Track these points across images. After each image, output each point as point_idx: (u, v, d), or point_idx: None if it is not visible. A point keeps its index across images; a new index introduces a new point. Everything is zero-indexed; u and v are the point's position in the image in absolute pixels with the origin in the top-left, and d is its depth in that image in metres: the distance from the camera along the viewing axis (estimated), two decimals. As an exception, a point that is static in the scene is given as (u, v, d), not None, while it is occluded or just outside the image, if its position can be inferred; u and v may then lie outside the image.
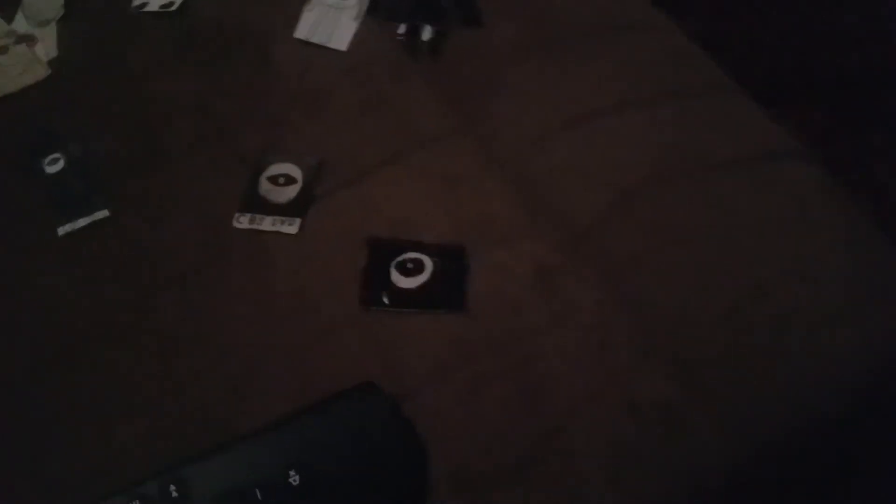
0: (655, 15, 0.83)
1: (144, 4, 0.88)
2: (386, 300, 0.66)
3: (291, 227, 0.71)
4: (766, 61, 1.33)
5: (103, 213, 0.73)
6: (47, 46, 0.86)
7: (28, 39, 0.86)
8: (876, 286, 0.65)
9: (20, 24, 0.88)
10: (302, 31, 0.84)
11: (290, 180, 0.74)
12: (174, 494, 0.55)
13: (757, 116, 0.76)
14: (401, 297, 0.67)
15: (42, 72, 0.84)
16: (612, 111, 0.74)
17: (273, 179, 0.74)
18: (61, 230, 0.72)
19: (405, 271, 0.68)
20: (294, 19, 0.84)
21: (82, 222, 0.73)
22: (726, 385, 0.61)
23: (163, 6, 0.87)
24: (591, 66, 0.77)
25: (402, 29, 0.83)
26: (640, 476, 0.58)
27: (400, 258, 0.68)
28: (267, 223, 0.71)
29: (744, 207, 0.69)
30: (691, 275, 0.66)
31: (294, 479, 0.56)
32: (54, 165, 0.77)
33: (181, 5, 0.87)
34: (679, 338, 0.63)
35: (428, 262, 0.68)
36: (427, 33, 0.82)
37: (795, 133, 1.24)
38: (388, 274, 0.67)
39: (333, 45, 0.83)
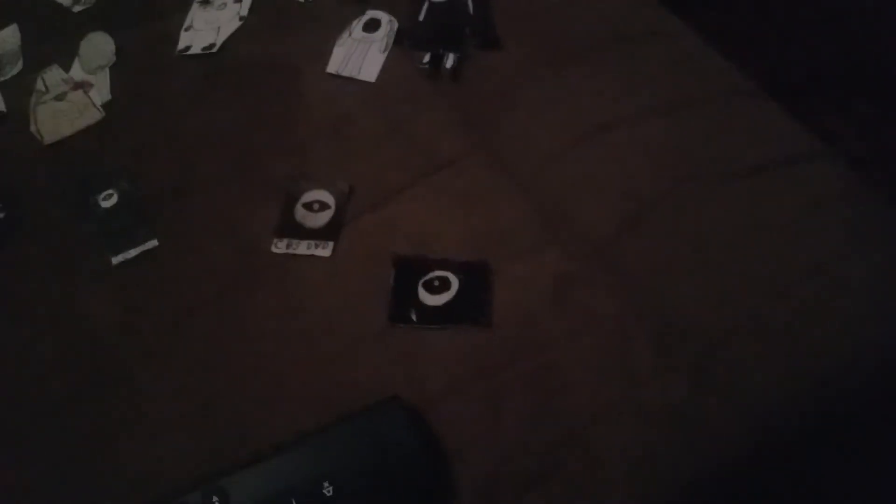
0: (669, 20, 0.85)
1: (188, 48, 0.94)
2: (414, 317, 0.69)
3: (325, 251, 0.74)
4: (804, 51, 1.31)
5: (153, 243, 0.78)
6: (101, 91, 0.92)
7: (84, 85, 0.93)
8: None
9: (76, 71, 0.95)
10: (333, 66, 0.88)
11: (323, 206, 0.77)
12: (216, 504, 0.58)
13: (776, 119, 0.76)
14: (428, 313, 0.69)
15: (97, 115, 0.90)
16: (628, 121, 0.76)
17: (308, 206, 0.78)
18: (115, 260, 0.77)
19: (432, 289, 0.70)
20: (326, 55, 0.89)
21: (133, 252, 0.78)
22: (747, 389, 0.62)
23: (204, 48, 0.93)
24: (606, 77, 0.80)
25: (426, 58, 0.86)
26: (661, 481, 0.59)
27: (427, 277, 0.71)
28: (302, 247, 0.75)
29: (763, 212, 0.70)
30: (711, 281, 0.67)
31: (328, 490, 0.58)
32: (109, 200, 0.82)
33: (221, 46, 0.93)
34: (698, 344, 0.64)
35: (454, 280, 0.71)
36: (450, 61, 0.85)
37: (838, 125, 1.22)
38: (415, 292, 0.70)
39: (363, 77, 0.87)
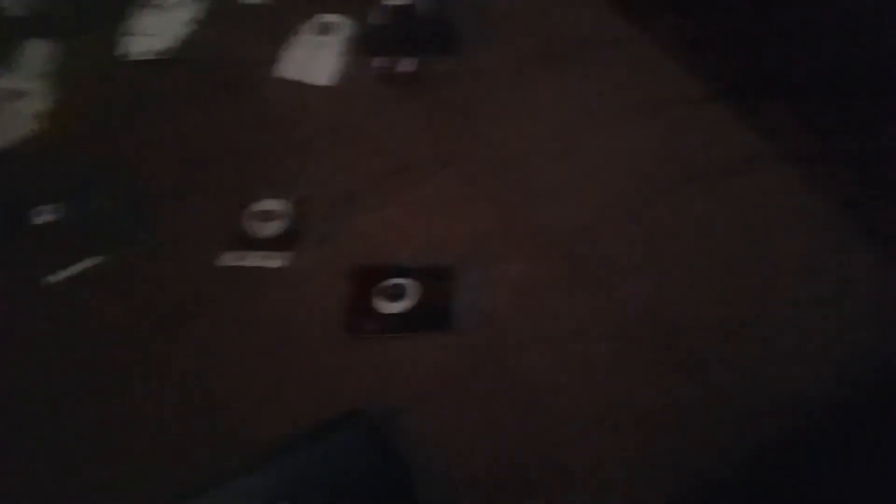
0: (631, 30, 0.84)
1: (135, 53, 0.90)
2: (372, 326, 0.66)
3: (277, 261, 0.71)
4: (769, 58, 1.32)
5: (96, 260, 0.74)
6: (41, 100, 0.88)
7: (22, 94, 0.89)
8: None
9: (15, 80, 0.90)
10: (286, 70, 0.86)
11: (276, 215, 0.74)
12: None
13: (737, 123, 0.75)
14: (386, 322, 0.67)
15: (35, 125, 0.86)
16: (590, 128, 0.75)
17: (259, 215, 0.74)
18: (53, 278, 0.73)
19: (390, 297, 0.68)
20: (280, 58, 0.86)
21: (74, 270, 0.73)
22: (707, 389, 0.60)
23: (152, 53, 0.90)
24: (567, 85, 0.79)
25: (383, 62, 0.84)
26: (627, 483, 0.57)
27: (384, 284, 0.68)
28: (253, 259, 0.72)
29: (728, 212, 0.69)
30: (679, 281, 0.65)
31: (287, 512, 0.55)
32: (47, 216, 0.78)
33: (170, 51, 0.89)
34: (661, 344, 0.62)
35: (412, 287, 0.68)
36: (407, 65, 0.83)
37: (791, 128, 1.22)
38: (373, 300, 0.67)
39: (317, 80, 0.84)
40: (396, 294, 0.67)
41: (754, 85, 1.26)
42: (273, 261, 0.71)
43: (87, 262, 0.74)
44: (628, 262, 0.67)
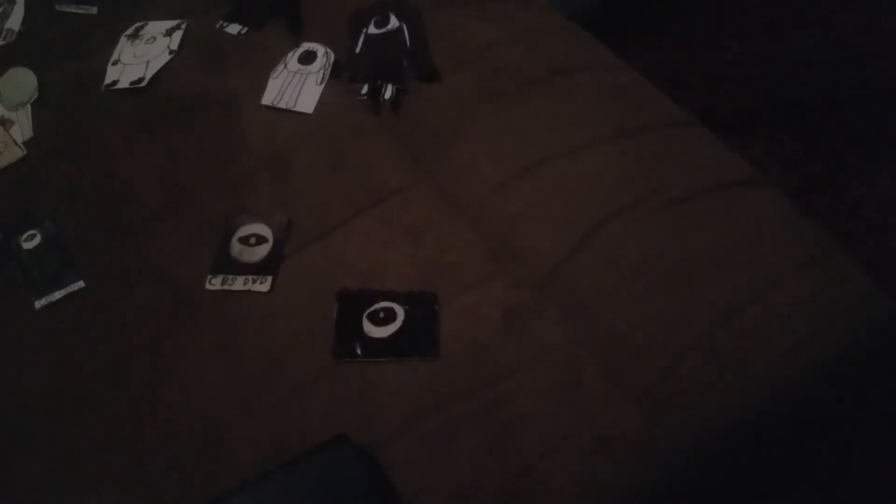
0: (606, 56, 0.85)
1: (115, 82, 0.90)
2: (359, 350, 0.67)
3: (263, 286, 0.72)
4: (732, 90, 1.36)
5: (79, 285, 0.74)
6: (22, 128, 0.88)
7: (4, 123, 0.89)
8: (838, 306, 0.66)
9: (-2, 108, 0.91)
10: (268, 98, 0.86)
11: (260, 240, 0.75)
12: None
13: (711, 147, 0.77)
14: (373, 346, 0.67)
15: (18, 153, 0.86)
16: (568, 153, 0.75)
17: (244, 240, 0.75)
18: (38, 303, 0.73)
19: (377, 321, 0.68)
20: (260, 88, 0.87)
21: (58, 294, 0.74)
22: (694, 413, 0.61)
23: (133, 82, 0.90)
24: (546, 111, 0.79)
25: (364, 89, 0.85)
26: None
27: (371, 308, 0.69)
28: (239, 283, 0.72)
29: (703, 236, 0.70)
30: (657, 306, 0.66)
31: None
32: (31, 241, 0.78)
33: (151, 80, 0.90)
34: (648, 369, 0.63)
35: (399, 311, 0.69)
36: (388, 92, 0.84)
37: (767, 159, 1.26)
38: (360, 324, 0.68)
39: (299, 108, 0.85)
40: (387, 318, 0.68)
41: (732, 114, 1.30)
42: (261, 285, 0.72)
43: (72, 287, 0.74)
44: (608, 288, 0.67)
